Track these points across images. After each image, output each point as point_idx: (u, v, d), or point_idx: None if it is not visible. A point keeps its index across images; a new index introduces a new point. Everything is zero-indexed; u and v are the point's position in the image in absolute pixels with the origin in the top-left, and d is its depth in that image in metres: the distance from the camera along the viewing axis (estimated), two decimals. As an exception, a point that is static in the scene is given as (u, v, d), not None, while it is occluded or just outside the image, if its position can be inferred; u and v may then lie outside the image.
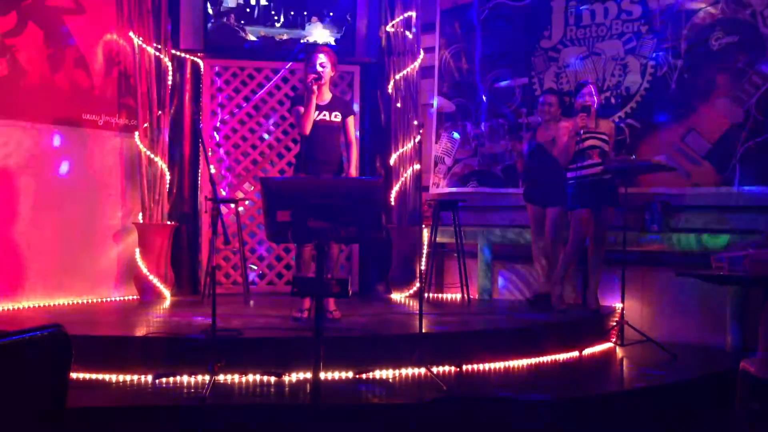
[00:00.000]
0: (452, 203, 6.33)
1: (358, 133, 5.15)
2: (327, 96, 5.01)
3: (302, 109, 4.84)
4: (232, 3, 6.59)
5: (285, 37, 6.71)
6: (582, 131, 5.34)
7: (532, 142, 5.94)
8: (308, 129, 4.86)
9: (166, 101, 6.41)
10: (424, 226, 6.42)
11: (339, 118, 4.99)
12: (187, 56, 6.67)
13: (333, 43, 6.71)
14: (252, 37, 6.65)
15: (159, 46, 6.37)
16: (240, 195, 6.77)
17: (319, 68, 4.86)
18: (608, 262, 5.57)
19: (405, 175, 6.77)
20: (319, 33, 6.74)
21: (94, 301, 6.14)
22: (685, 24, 5.61)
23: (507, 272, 6.71)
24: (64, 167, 6.07)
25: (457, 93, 7.01)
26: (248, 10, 6.65)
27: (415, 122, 6.67)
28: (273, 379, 4.00)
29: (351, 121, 5.07)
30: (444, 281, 7.10)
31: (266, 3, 6.67)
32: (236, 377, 3.99)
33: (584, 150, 5.41)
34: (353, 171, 5.05)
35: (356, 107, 6.94)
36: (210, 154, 6.64)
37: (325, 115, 4.94)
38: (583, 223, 5.39)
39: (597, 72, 6.01)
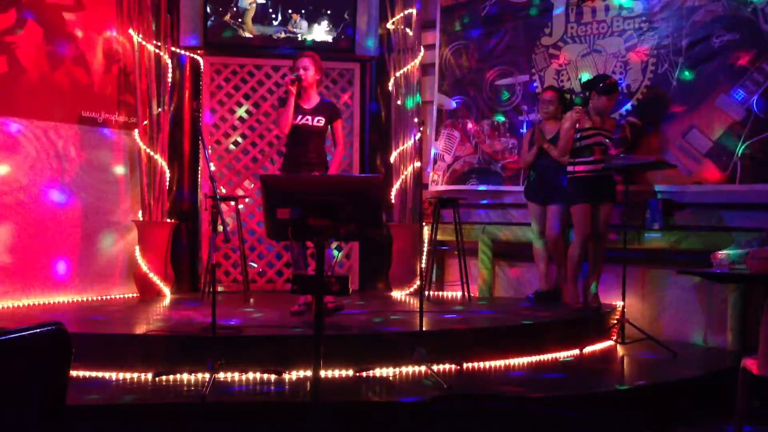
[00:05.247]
0: (453, 201, 6.32)
1: (342, 136, 5.23)
2: (314, 99, 5.12)
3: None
4: (246, 4, 6.57)
5: (283, 35, 6.69)
6: (590, 127, 5.36)
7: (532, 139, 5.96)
8: (287, 129, 4.99)
9: (165, 98, 6.40)
10: (424, 223, 6.41)
11: (323, 123, 5.08)
12: (187, 53, 6.66)
13: (330, 41, 6.70)
14: (248, 35, 6.63)
15: (159, 44, 6.35)
16: (240, 192, 6.76)
17: (301, 71, 4.96)
18: (609, 260, 5.56)
19: (405, 172, 6.76)
20: (316, 31, 6.72)
21: (94, 298, 6.13)
22: (686, 21, 5.59)
23: (508, 270, 6.70)
24: (63, 164, 6.05)
25: (458, 90, 6.99)
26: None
27: (416, 120, 6.67)
28: (273, 377, 3.99)
29: (338, 124, 5.19)
30: (444, 279, 7.09)
31: (264, 1, 6.65)
32: (236, 375, 3.99)
33: (590, 146, 5.40)
34: (333, 172, 5.15)
35: (355, 103, 6.96)
36: (210, 151, 6.63)
37: (307, 119, 5.04)
38: (587, 217, 5.40)
39: (598, 69, 5.99)
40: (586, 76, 5.94)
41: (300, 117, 5.00)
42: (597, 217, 5.44)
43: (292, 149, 5.06)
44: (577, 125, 5.38)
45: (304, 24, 6.72)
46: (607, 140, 5.45)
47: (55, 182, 6.00)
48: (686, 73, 5.58)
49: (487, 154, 6.74)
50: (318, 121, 5.06)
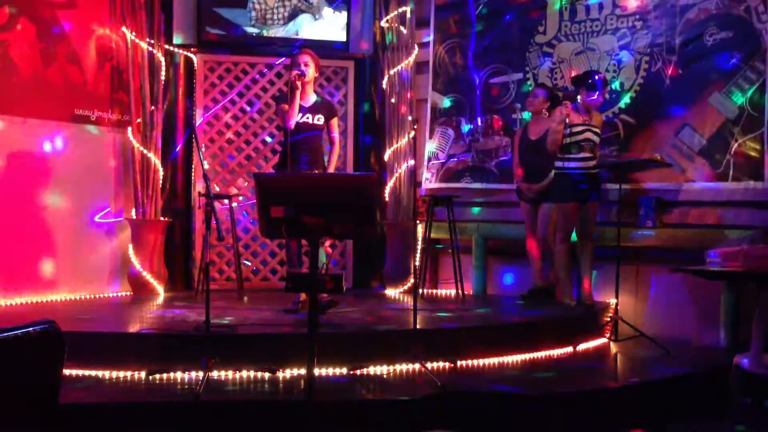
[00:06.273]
0: (447, 199, 6.32)
1: (337, 135, 5.26)
2: (311, 98, 5.12)
3: (286, 107, 4.90)
4: (254, 13, 6.57)
5: (276, 33, 6.69)
6: (579, 123, 5.36)
7: (523, 138, 5.98)
8: (293, 123, 4.94)
9: (159, 96, 6.38)
10: (418, 221, 6.41)
11: (322, 121, 5.10)
12: (181, 51, 6.64)
13: (324, 39, 6.69)
14: (242, 33, 6.61)
15: (152, 41, 6.33)
16: (234, 191, 6.75)
17: (302, 66, 4.96)
18: (602, 258, 5.57)
19: (399, 170, 6.76)
20: (310, 29, 6.71)
21: (87, 297, 6.11)
22: (679, 19, 5.61)
23: (501, 267, 6.70)
24: (56, 163, 6.03)
25: (452, 88, 7.00)
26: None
27: (410, 118, 6.67)
28: (267, 375, 3.99)
29: (334, 122, 5.21)
30: (438, 277, 7.10)
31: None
32: (230, 373, 3.98)
33: (579, 142, 5.41)
34: (331, 170, 5.16)
35: (349, 102, 6.95)
36: (203, 149, 6.61)
37: (308, 117, 5.04)
38: (571, 216, 5.41)
39: (591, 67, 6.00)
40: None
41: (300, 114, 4.99)
42: (583, 214, 5.45)
43: (291, 147, 5.00)
44: (567, 120, 5.37)
45: (299, 22, 6.71)
46: (596, 137, 5.46)
47: (47, 180, 5.97)
48: (679, 71, 5.60)
49: (480, 152, 6.75)
50: (318, 119, 5.06)
